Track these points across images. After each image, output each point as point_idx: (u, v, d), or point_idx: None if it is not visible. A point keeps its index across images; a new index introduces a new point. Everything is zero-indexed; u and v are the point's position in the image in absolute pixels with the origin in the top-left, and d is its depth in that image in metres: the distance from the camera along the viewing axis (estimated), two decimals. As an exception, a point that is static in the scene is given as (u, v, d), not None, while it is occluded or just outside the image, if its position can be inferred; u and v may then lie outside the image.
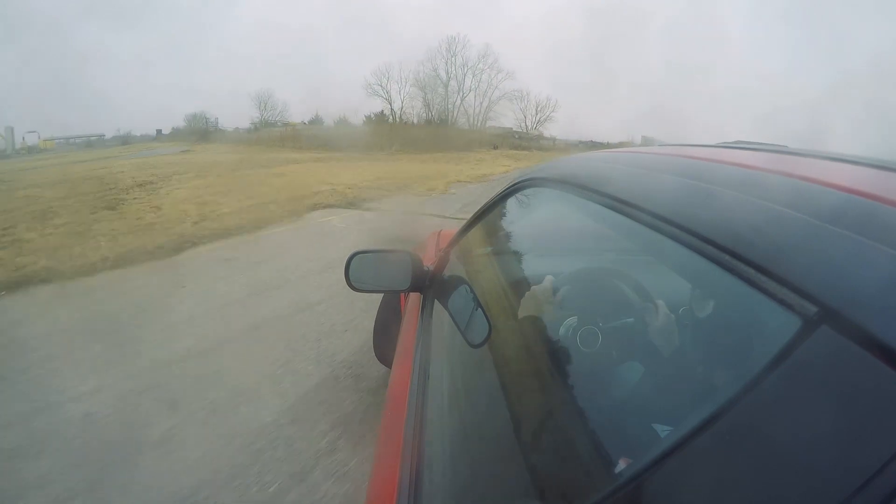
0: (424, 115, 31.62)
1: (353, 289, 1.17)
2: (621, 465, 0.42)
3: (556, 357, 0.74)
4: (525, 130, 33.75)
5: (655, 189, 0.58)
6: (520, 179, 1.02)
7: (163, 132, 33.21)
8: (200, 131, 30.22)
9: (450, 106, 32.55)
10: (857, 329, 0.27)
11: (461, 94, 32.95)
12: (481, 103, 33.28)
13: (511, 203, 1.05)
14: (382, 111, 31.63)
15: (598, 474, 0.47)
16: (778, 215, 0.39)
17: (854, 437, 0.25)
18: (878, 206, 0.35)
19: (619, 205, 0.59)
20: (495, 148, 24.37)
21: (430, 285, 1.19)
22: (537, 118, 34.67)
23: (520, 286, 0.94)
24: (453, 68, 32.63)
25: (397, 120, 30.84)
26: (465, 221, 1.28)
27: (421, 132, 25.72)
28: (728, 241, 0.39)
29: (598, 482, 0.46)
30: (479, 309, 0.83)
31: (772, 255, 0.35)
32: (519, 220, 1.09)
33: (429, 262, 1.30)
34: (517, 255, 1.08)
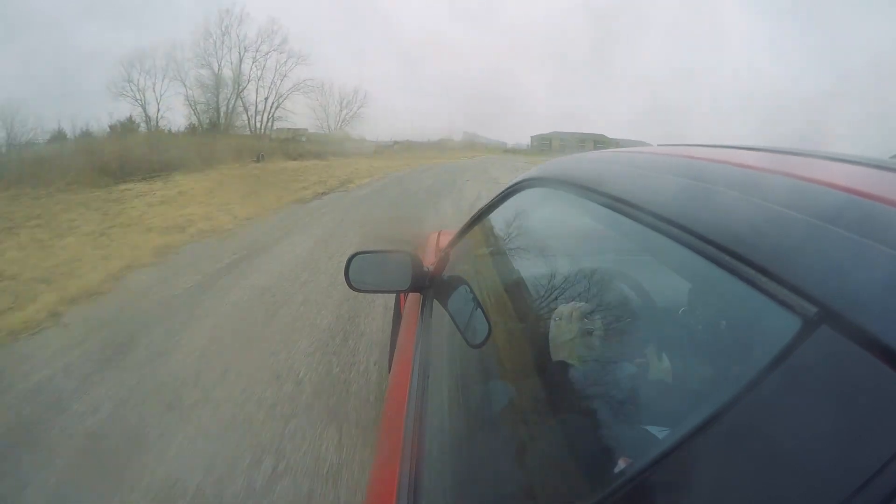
0: (191, 117, 22.81)
1: (353, 289, 1.18)
2: (621, 465, 0.42)
3: (556, 357, 0.74)
4: (327, 131, 26.58)
5: (655, 189, 0.58)
6: (520, 179, 1.02)
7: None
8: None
9: (221, 104, 23.38)
10: (857, 329, 0.27)
11: (238, 86, 23.76)
12: (266, 98, 24.69)
13: (511, 203, 1.06)
14: (130, 116, 21.83)
15: (598, 474, 0.47)
16: (778, 215, 0.39)
17: (854, 437, 0.25)
18: (878, 206, 0.35)
19: (619, 205, 0.59)
20: (258, 160, 16.17)
21: (430, 286, 1.19)
22: (342, 115, 27.26)
23: (519, 286, 0.94)
24: (226, 52, 23.37)
25: (153, 127, 21.53)
26: (465, 222, 1.28)
27: (136, 142, 13.93)
28: (728, 241, 0.39)
29: (598, 482, 0.46)
30: (479, 309, 0.84)
31: (772, 256, 0.35)
32: (519, 220, 1.09)
33: (429, 262, 1.30)
34: (517, 256, 1.08)
